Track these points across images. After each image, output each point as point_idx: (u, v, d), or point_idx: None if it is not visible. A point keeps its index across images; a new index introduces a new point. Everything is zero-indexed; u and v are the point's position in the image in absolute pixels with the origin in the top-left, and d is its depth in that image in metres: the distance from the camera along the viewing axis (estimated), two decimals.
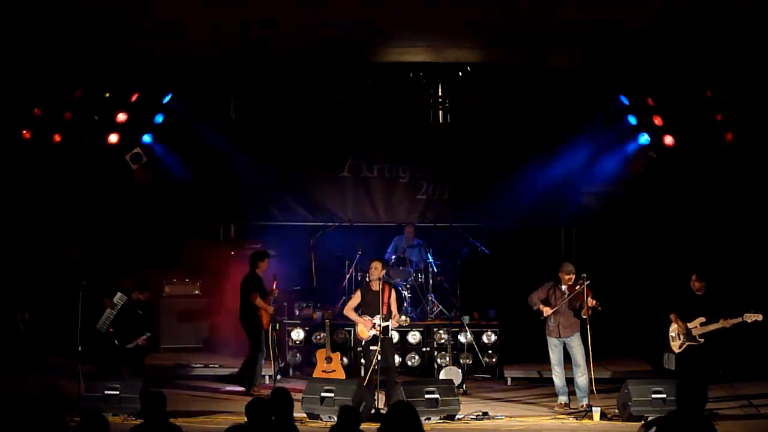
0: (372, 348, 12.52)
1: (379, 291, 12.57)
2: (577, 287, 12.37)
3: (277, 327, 13.71)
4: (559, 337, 12.63)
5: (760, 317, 11.85)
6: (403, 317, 12.99)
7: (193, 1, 11.71)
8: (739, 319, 11.96)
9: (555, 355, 12.73)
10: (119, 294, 12.97)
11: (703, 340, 12.27)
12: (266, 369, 13.85)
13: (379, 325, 12.42)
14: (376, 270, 12.64)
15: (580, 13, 11.80)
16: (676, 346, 12.45)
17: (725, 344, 12.51)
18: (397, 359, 14.53)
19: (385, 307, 12.50)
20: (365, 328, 12.68)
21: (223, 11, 11.98)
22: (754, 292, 13.24)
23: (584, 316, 12.36)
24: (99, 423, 7.43)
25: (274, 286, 13.62)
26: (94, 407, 11.12)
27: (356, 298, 12.96)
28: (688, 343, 12.35)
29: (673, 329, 12.52)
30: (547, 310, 12.60)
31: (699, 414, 7.63)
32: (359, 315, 12.83)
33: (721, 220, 15.37)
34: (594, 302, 12.22)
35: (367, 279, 12.77)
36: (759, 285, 13.98)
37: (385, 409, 11.97)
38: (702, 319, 12.25)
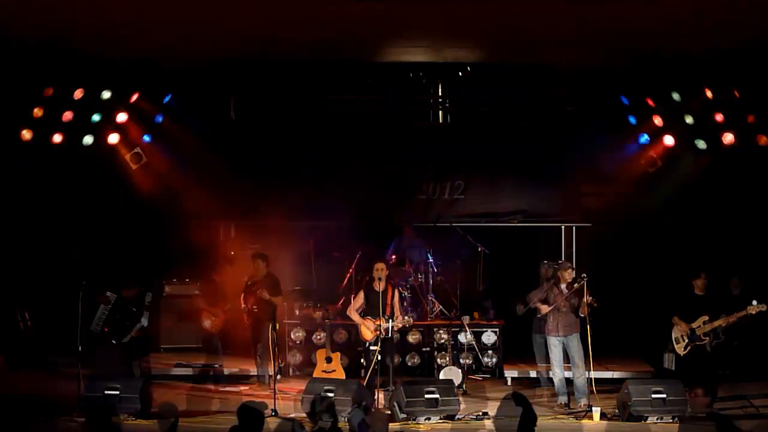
0: (372, 348, 12.52)
1: (380, 292, 12.57)
2: (576, 285, 12.44)
3: (277, 327, 13.69)
4: (559, 335, 12.66)
5: (764, 307, 11.89)
6: (407, 317, 12.97)
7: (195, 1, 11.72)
8: (744, 312, 11.98)
9: (555, 354, 12.75)
10: (109, 292, 12.99)
11: (707, 339, 12.27)
12: (264, 369, 13.85)
13: (381, 326, 12.42)
14: (380, 271, 12.64)
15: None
16: (680, 348, 12.45)
17: (728, 344, 12.52)
18: (397, 359, 14.53)
19: (388, 308, 12.51)
20: (368, 329, 12.67)
21: (224, 13, 11.99)
22: (754, 287, 13.24)
23: (582, 315, 12.41)
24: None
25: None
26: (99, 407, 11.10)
27: (359, 299, 12.95)
28: (692, 344, 12.35)
29: (676, 331, 12.51)
30: (544, 308, 12.66)
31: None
32: (361, 316, 12.83)
33: (720, 218, 15.39)
34: (590, 299, 12.28)
35: (368, 278, 12.77)
36: (759, 279, 13.99)
37: (386, 408, 12.03)
38: (705, 318, 12.26)
